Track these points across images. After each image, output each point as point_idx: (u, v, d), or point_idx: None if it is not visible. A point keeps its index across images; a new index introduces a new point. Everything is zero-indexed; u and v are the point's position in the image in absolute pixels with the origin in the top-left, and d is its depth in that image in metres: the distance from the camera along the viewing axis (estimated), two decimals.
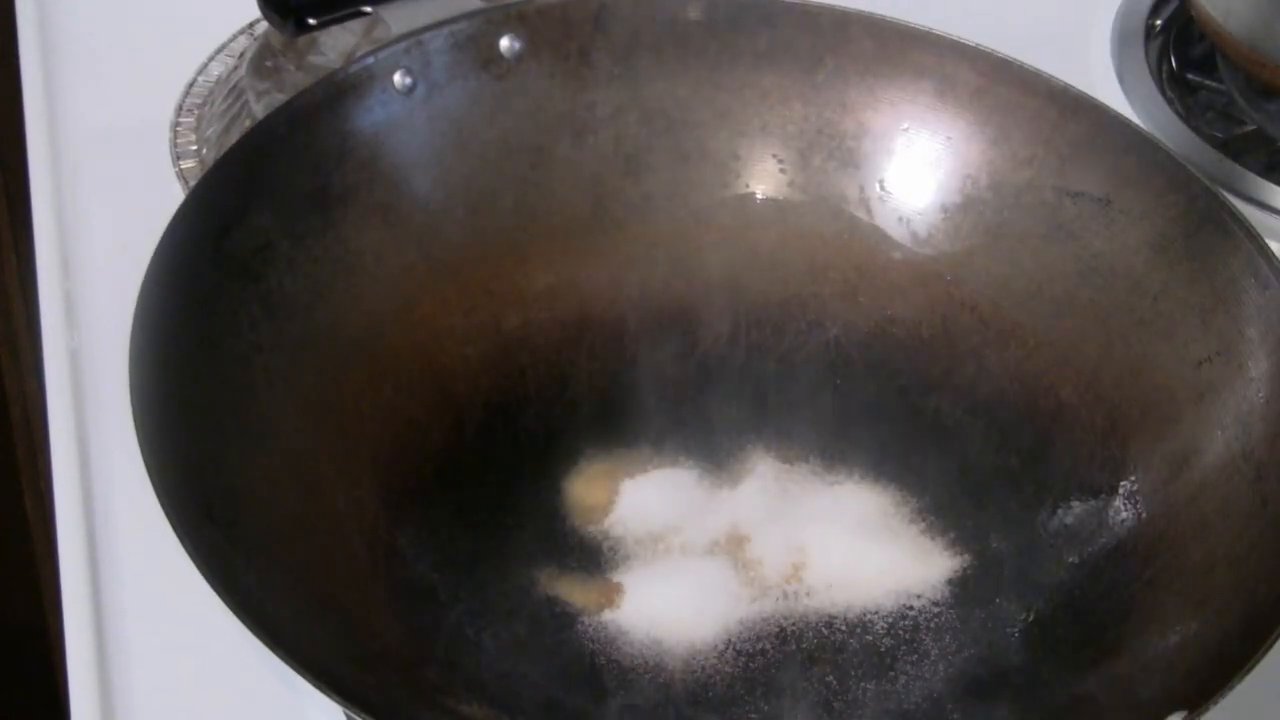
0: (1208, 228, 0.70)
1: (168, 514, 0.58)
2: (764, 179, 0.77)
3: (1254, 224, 0.69)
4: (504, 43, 0.74)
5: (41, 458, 0.77)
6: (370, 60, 0.72)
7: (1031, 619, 0.67)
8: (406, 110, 0.72)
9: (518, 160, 0.75)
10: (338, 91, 0.71)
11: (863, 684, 0.66)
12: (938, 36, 0.75)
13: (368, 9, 0.74)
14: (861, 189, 0.76)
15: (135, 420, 0.60)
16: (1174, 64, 0.91)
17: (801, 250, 0.76)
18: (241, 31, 0.86)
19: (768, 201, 0.77)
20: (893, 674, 0.66)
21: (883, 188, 0.76)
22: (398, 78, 0.72)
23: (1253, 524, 0.64)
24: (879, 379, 0.75)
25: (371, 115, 0.72)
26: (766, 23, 0.75)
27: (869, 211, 0.76)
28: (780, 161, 0.77)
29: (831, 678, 0.66)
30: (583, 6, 0.75)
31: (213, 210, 0.68)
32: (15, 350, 1.01)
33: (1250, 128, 0.89)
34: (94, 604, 0.67)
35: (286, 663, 0.56)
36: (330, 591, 0.64)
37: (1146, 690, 0.62)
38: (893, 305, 0.76)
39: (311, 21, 0.72)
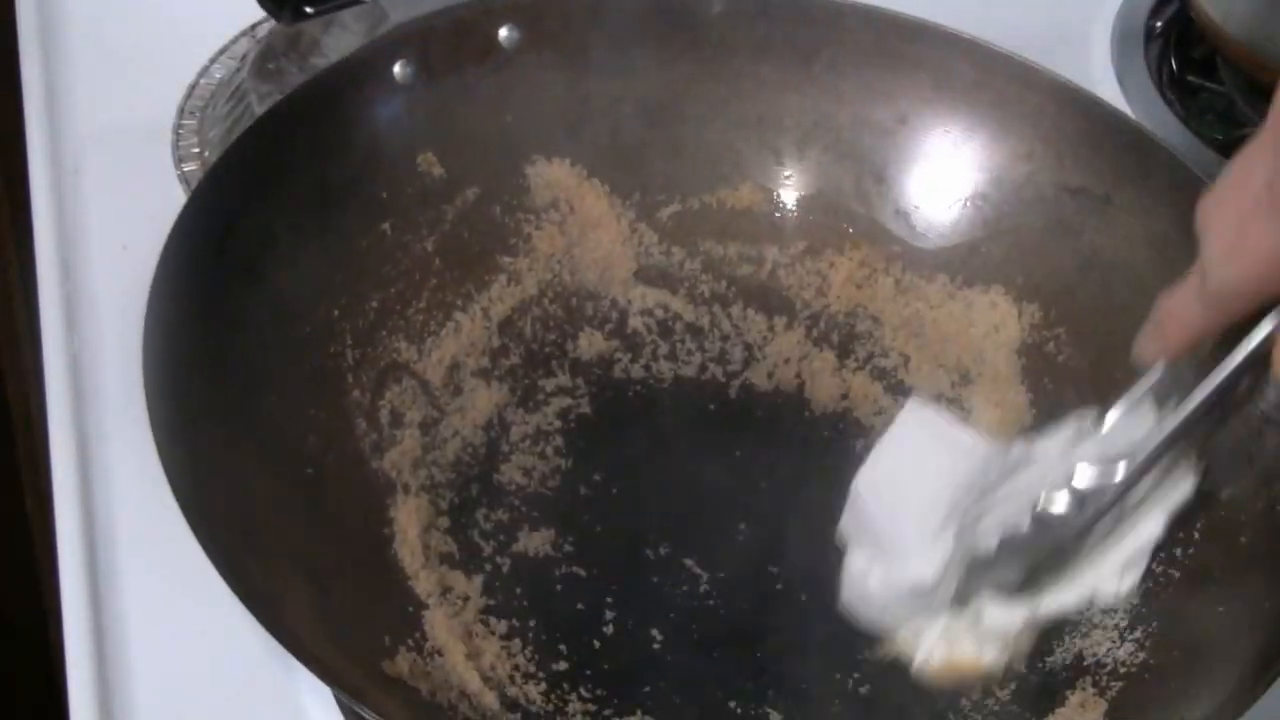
0: None
1: (190, 523, 0.58)
2: (760, 171, 0.77)
3: None
4: (503, 33, 0.74)
5: (41, 458, 0.77)
6: (369, 51, 0.72)
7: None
8: (406, 101, 0.72)
9: (516, 152, 0.75)
10: (337, 83, 0.71)
11: None
12: (934, 29, 0.75)
13: None
14: (858, 182, 0.76)
15: (151, 421, 0.60)
16: (1174, 66, 0.91)
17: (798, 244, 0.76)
18: (243, 34, 0.86)
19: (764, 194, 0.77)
20: None
21: (880, 181, 0.76)
22: (397, 69, 0.72)
23: (1258, 526, 0.64)
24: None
25: (371, 106, 0.72)
26: (762, 14, 0.75)
27: (866, 205, 0.76)
28: (776, 154, 0.77)
29: None
30: None
31: (216, 209, 0.68)
32: (16, 351, 1.01)
33: (1250, 130, 0.88)
34: (93, 604, 0.67)
35: (309, 668, 0.56)
36: (338, 591, 0.64)
37: None
38: (890, 300, 0.75)
39: (309, 10, 0.72)
